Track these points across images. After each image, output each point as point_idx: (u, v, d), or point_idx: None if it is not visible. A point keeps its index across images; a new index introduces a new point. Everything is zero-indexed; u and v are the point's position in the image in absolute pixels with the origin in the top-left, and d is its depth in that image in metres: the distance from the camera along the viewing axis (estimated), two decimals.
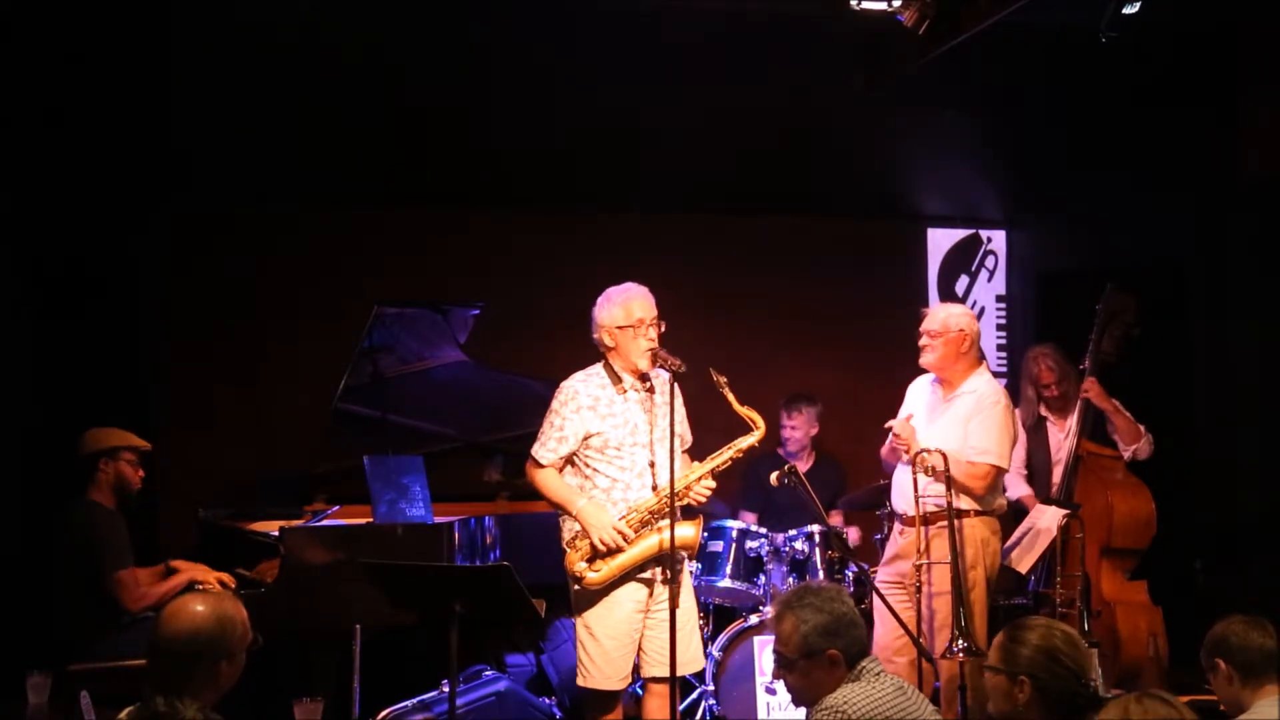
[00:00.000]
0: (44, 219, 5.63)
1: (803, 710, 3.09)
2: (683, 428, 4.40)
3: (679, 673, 4.34)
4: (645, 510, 4.20)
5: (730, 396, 4.20)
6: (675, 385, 4.22)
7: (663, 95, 6.10)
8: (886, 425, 4.85)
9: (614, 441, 4.25)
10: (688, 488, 4.19)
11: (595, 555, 4.19)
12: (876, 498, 5.67)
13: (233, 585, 4.87)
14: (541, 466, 4.31)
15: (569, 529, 4.28)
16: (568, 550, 4.25)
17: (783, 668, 3.08)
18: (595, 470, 4.28)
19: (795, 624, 3.03)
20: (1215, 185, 6.16)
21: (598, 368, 4.34)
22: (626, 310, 4.25)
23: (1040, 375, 5.77)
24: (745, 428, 4.26)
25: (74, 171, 5.73)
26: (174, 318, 6.29)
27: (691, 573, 5.29)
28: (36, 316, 5.61)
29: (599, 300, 4.33)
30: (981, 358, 4.98)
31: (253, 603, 3.15)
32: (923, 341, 4.87)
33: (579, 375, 4.35)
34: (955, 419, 4.79)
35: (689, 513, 4.30)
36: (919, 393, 4.99)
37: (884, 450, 5.00)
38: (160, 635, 2.75)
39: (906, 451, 4.73)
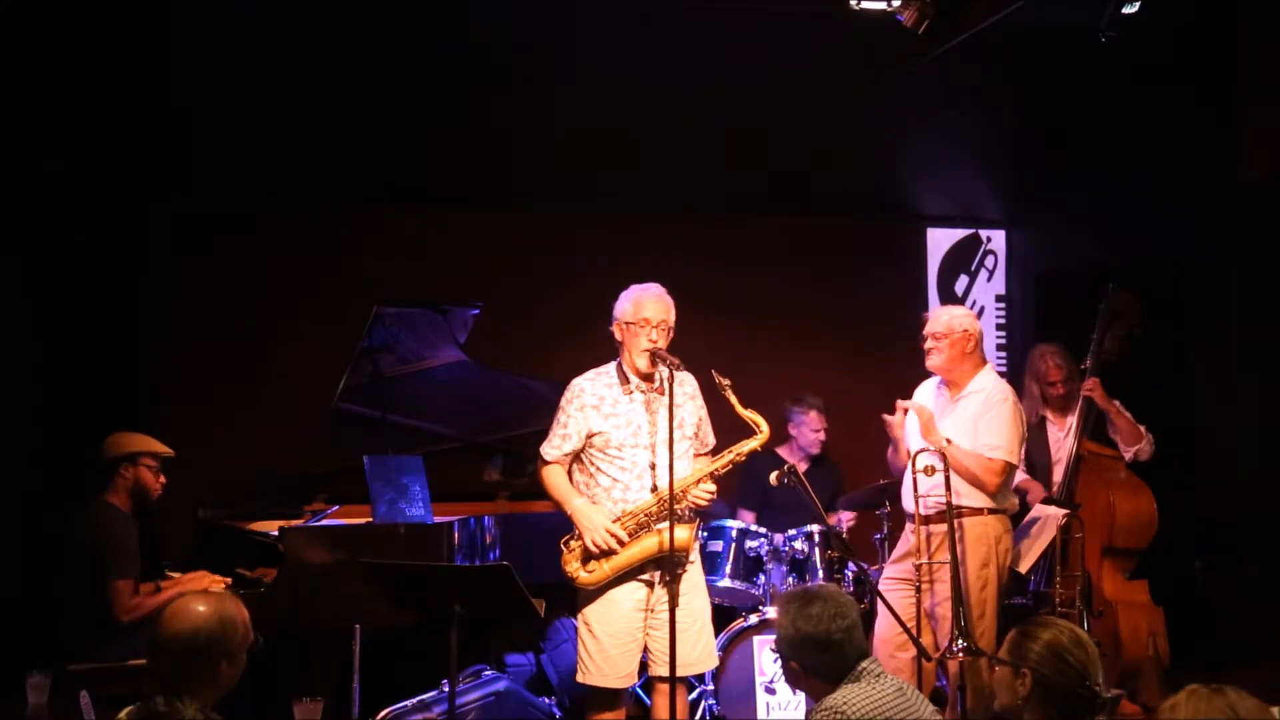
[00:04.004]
0: (44, 219, 5.63)
1: (802, 711, 3.11)
2: (704, 430, 4.42)
3: (690, 672, 4.38)
4: (641, 513, 4.20)
5: (733, 399, 4.20)
6: (673, 384, 4.19)
7: (663, 95, 6.11)
8: (885, 416, 4.88)
9: (615, 441, 4.26)
10: (685, 491, 4.19)
11: (590, 556, 4.20)
12: (876, 498, 5.67)
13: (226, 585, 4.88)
14: (547, 463, 4.35)
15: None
16: (563, 549, 4.26)
17: (775, 650, 3.25)
18: (598, 469, 4.29)
19: (777, 622, 3.15)
20: (1215, 185, 6.15)
21: (609, 366, 4.36)
22: (636, 306, 4.27)
23: (1047, 372, 5.76)
24: (747, 430, 4.26)
25: (74, 171, 5.73)
26: (174, 318, 6.28)
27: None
28: (37, 316, 5.61)
29: (622, 294, 4.36)
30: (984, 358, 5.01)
31: (253, 603, 3.16)
32: (928, 345, 4.89)
33: (588, 374, 4.36)
34: (964, 419, 4.80)
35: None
36: (926, 396, 5.00)
37: (889, 452, 5.01)
38: (161, 635, 2.75)
39: (922, 438, 4.73)
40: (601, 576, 4.20)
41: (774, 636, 3.15)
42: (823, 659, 3.04)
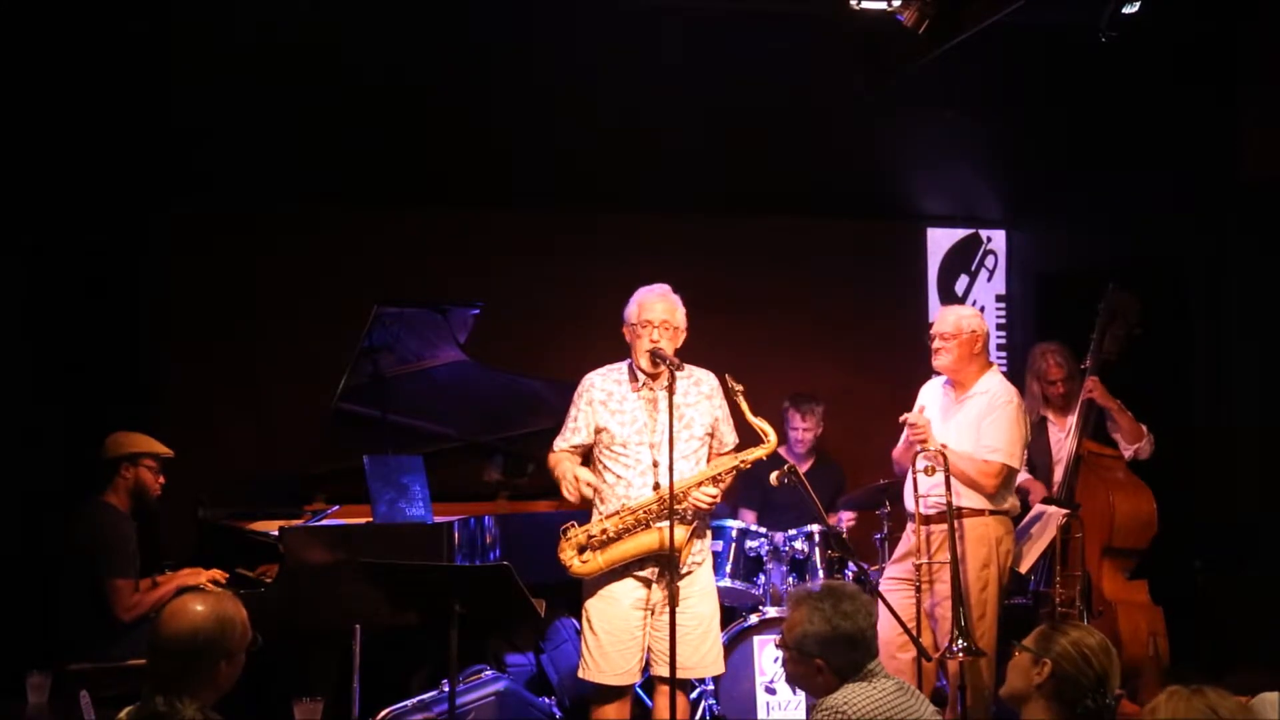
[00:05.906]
0: (44, 219, 5.63)
1: (802, 711, 3.12)
2: (721, 430, 4.42)
3: (693, 675, 4.41)
4: (640, 509, 4.21)
5: (744, 405, 4.21)
6: (674, 383, 4.19)
7: (663, 95, 6.10)
8: (901, 419, 4.85)
9: (620, 438, 4.29)
10: (686, 492, 4.19)
11: (585, 547, 4.22)
12: (876, 498, 5.66)
13: (224, 579, 4.88)
14: (553, 452, 4.43)
15: (596, 515, 4.33)
16: (560, 536, 4.28)
17: (779, 647, 3.22)
18: (605, 467, 4.34)
19: (803, 619, 3.09)
20: (1215, 185, 6.15)
21: (622, 363, 4.41)
22: (639, 308, 4.32)
23: (1048, 370, 5.76)
24: (755, 437, 4.26)
25: (74, 172, 5.73)
26: (174, 318, 6.28)
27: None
28: (37, 316, 5.61)
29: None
30: (990, 359, 5.01)
31: (253, 603, 3.15)
32: (935, 344, 4.88)
33: (602, 369, 4.43)
34: (968, 420, 4.80)
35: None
36: (931, 395, 5.00)
37: (897, 450, 4.99)
38: (160, 635, 2.75)
39: (923, 444, 4.73)
40: (595, 567, 4.23)
41: (795, 634, 3.10)
42: (851, 655, 3.05)
